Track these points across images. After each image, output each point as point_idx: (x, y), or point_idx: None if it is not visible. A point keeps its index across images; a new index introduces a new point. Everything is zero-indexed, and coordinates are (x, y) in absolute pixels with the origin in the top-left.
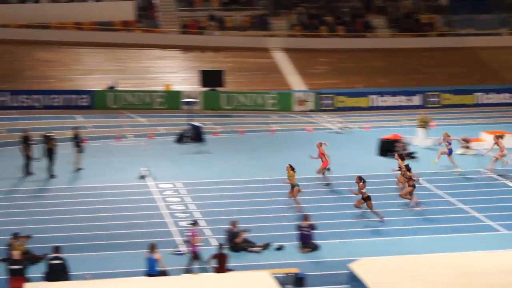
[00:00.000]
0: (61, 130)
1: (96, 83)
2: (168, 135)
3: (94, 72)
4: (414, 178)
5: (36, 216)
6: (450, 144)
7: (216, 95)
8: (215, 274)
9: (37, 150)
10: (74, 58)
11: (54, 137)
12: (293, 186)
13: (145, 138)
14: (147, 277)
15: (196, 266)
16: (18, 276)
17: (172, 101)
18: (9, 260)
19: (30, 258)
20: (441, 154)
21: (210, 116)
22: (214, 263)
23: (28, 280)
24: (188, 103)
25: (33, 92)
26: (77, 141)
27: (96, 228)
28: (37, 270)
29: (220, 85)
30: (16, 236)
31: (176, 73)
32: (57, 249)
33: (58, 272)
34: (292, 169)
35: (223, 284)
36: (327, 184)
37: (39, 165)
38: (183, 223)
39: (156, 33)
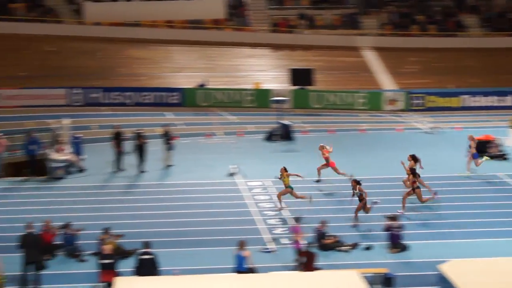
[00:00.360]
0: (151, 127)
1: (186, 80)
2: (257, 133)
3: (184, 70)
4: (418, 184)
5: (126, 211)
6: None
7: (305, 94)
8: (303, 272)
9: (127, 146)
10: (165, 56)
11: (145, 134)
12: (287, 187)
13: (235, 136)
14: (236, 274)
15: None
16: (109, 270)
17: (261, 99)
18: (100, 254)
19: (120, 253)
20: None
21: (299, 114)
22: (302, 262)
23: (118, 274)
24: (277, 101)
25: (124, 89)
26: (167, 138)
27: (185, 224)
28: (127, 264)
29: (310, 84)
30: (107, 231)
31: (265, 71)
32: (147, 245)
33: (147, 267)
34: (286, 171)
35: (311, 282)
36: (318, 181)
37: (130, 161)
38: (272, 221)
39: (246, 32)
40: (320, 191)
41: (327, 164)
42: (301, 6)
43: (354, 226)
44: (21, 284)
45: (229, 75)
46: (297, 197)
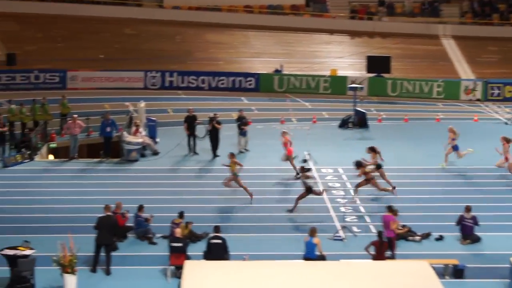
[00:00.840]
0: (227, 111)
1: (263, 66)
2: (331, 120)
3: (261, 55)
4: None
5: (198, 195)
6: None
7: (382, 81)
8: (374, 261)
9: (201, 130)
10: (242, 40)
11: (219, 118)
12: (233, 173)
13: (309, 122)
14: (305, 261)
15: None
16: (179, 253)
17: (337, 86)
18: (171, 237)
19: (191, 237)
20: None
21: (375, 102)
22: (372, 251)
23: (188, 257)
24: (353, 88)
25: (200, 73)
26: (242, 124)
27: (257, 210)
28: (198, 248)
29: (387, 71)
30: (181, 214)
31: (342, 58)
32: (217, 229)
33: (217, 251)
34: (233, 157)
35: (381, 271)
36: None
37: (203, 145)
38: (343, 209)
39: (324, 18)
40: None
41: (287, 151)
42: None
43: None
44: (93, 265)
45: (306, 61)
46: (240, 185)
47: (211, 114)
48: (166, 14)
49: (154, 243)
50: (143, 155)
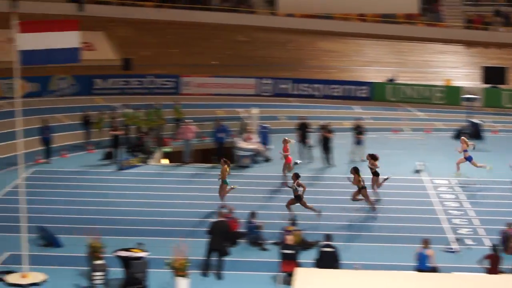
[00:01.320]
0: (339, 120)
1: (375, 75)
2: (445, 131)
3: (374, 64)
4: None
5: (310, 203)
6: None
7: (497, 93)
8: (487, 275)
9: (312, 138)
10: (355, 49)
11: (331, 127)
12: (223, 181)
13: (422, 133)
14: (417, 272)
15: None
16: (290, 260)
17: (451, 96)
18: (282, 244)
19: (302, 244)
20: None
21: (491, 113)
22: (486, 264)
23: (299, 265)
24: (468, 99)
25: (313, 81)
26: (358, 132)
27: (368, 219)
28: (309, 256)
29: (503, 83)
30: (293, 222)
31: (457, 68)
32: (328, 237)
33: (329, 259)
34: (226, 163)
35: (494, 286)
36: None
37: (316, 153)
38: (456, 221)
39: (439, 27)
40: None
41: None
42: (497, 3)
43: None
44: (204, 269)
45: (419, 70)
46: (225, 193)
47: (322, 123)
48: (279, 21)
49: (265, 249)
50: (255, 162)
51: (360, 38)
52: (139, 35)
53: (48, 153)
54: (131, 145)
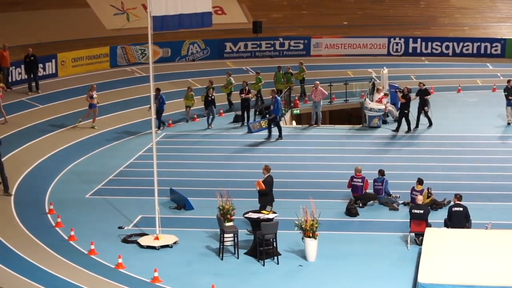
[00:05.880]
0: (471, 78)
1: (509, 31)
2: None
3: (508, 20)
4: None
5: (439, 162)
6: None
7: None
8: None
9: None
10: (488, 5)
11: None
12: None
13: None
14: None
15: None
16: (420, 220)
17: None
18: (412, 204)
19: (432, 204)
20: None
21: None
22: None
23: (429, 225)
24: None
25: (445, 39)
26: (509, 94)
27: (500, 178)
28: (438, 216)
29: None
30: (421, 181)
31: None
32: (458, 197)
33: (458, 219)
34: None
35: None
36: None
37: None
38: None
39: None
40: None
41: None
42: None
43: None
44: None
45: None
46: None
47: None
48: None
49: (395, 209)
50: (384, 122)
51: None
52: None
53: (159, 122)
54: (260, 108)
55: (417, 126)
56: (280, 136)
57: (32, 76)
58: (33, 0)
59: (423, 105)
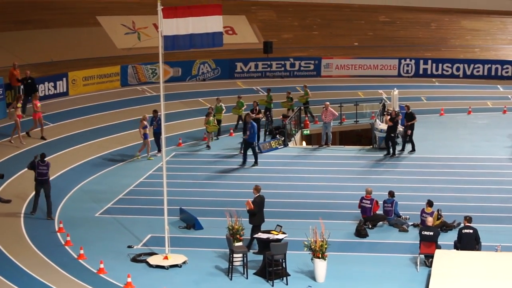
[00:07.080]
0: (482, 100)
1: None
2: None
3: None
4: None
5: (449, 184)
6: None
7: None
8: None
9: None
10: (500, 27)
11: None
12: None
13: None
14: None
15: None
16: (430, 242)
17: None
18: (422, 226)
19: (442, 226)
20: None
21: None
22: None
23: (439, 247)
24: None
25: (456, 60)
26: None
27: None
28: (448, 238)
29: None
30: (430, 203)
31: None
32: (468, 219)
33: (469, 241)
34: None
35: None
36: None
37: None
38: None
39: None
40: None
41: None
42: None
43: None
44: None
45: None
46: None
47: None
48: (421, 0)
49: (405, 231)
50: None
51: (504, 16)
52: (281, 18)
53: (158, 145)
54: (270, 128)
55: (413, 149)
56: (256, 163)
57: (30, 99)
58: (44, 19)
59: (409, 128)
